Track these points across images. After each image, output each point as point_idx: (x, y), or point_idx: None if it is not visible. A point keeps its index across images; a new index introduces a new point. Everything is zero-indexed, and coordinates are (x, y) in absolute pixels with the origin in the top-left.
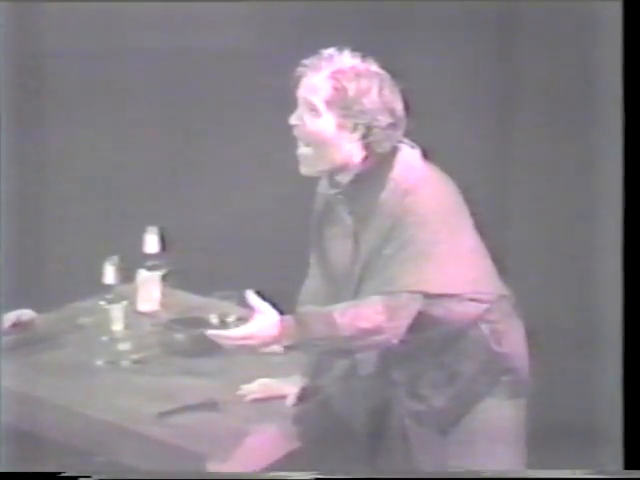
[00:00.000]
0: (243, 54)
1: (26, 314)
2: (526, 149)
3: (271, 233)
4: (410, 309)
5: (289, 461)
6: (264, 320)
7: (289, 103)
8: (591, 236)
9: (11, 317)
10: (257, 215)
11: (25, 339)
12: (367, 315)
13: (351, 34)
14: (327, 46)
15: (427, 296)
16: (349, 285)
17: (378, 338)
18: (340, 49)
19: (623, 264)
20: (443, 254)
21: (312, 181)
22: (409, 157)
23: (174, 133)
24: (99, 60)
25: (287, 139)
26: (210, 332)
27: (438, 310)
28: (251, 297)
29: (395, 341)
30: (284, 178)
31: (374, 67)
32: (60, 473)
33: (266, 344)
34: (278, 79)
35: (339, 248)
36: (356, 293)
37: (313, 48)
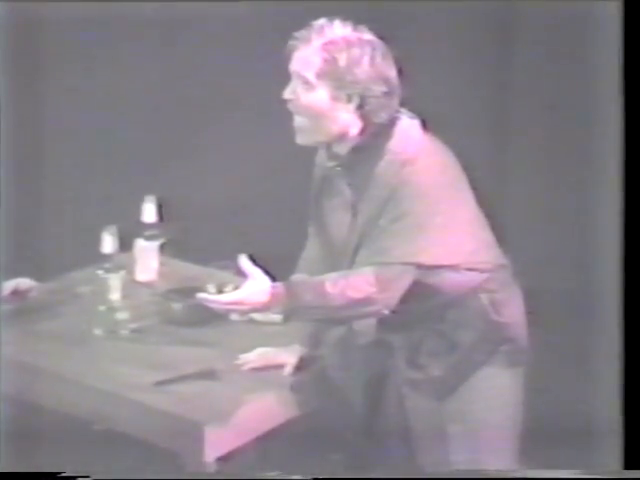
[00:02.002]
0: (243, 22)
1: (24, 283)
2: (525, 130)
3: (269, 202)
4: (402, 281)
5: (285, 430)
6: (255, 286)
7: (288, 72)
8: (590, 205)
9: (9, 286)
10: (255, 185)
11: (23, 308)
12: (358, 285)
13: (350, 5)
14: (325, 16)
15: (421, 267)
16: (346, 255)
17: (369, 309)
18: (331, 19)
19: (623, 235)
20: (439, 226)
21: (311, 150)
22: (408, 128)
23: (172, 102)
24: (98, 26)
25: (286, 108)
26: (200, 295)
27: (435, 280)
28: (243, 262)
29: (386, 312)
30: (283, 147)
31: (366, 35)
32: (60, 473)
33: (256, 310)
34: (278, 48)
35: (338, 220)
36: (351, 262)
37: (312, 17)
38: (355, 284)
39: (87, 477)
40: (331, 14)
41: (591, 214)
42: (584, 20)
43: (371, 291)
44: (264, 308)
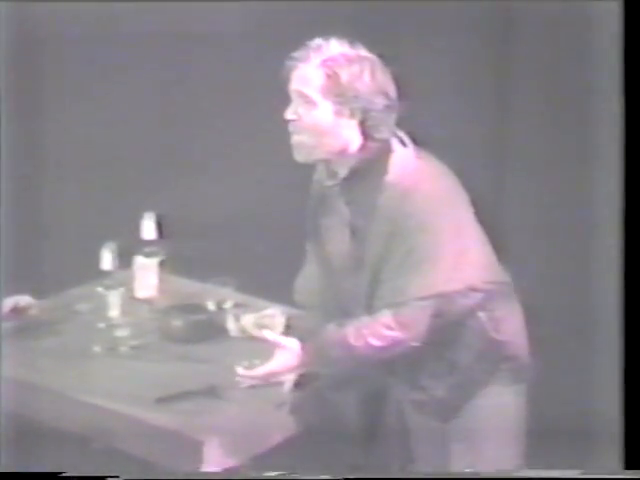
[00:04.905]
0: (243, 39)
1: (24, 300)
2: (523, 138)
3: (268, 219)
4: (423, 315)
5: (286, 449)
6: (285, 354)
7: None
8: (589, 221)
9: (9, 303)
10: (254, 201)
11: (23, 325)
12: (379, 333)
13: (348, 23)
14: (323, 33)
15: (439, 296)
16: (356, 290)
17: (397, 349)
18: (327, 38)
19: (622, 253)
20: (449, 252)
21: (311, 168)
22: (403, 158)
23: (172, 119)
24: (97, 44)
25: (286, 125)
26: (240, 372)
27: (442, 305)
28: (269, 335)
29: (417, 344)
30: (282, 165)
31: (363, 52)
32: (60, 473)
33: (288, 374)
34: (278, 65)
35: (336, 238)
36: (368, 307)
37: (311, 34)
38: (376, 332)
39: (117, 477)
40: (327, 32)
41: (591, 224)
42: (584, 20)
43: (393, 335)
44: (296, 370)
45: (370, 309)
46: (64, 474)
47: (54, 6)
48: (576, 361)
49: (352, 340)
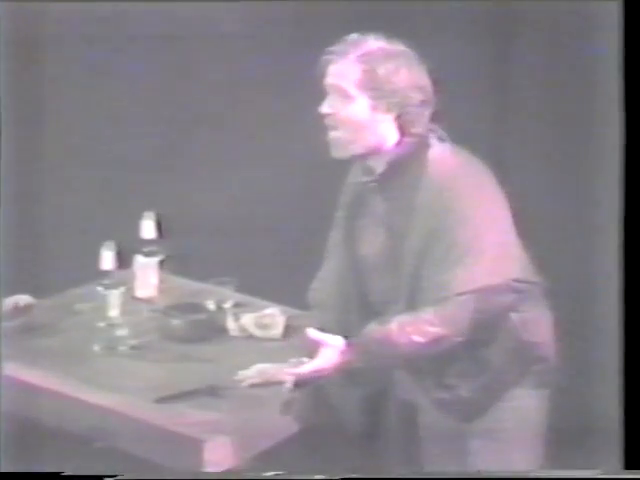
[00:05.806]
0: (243, 39)
1: (24, 299)
2: (524, 138)
3: (268, 219)
4: (465, 310)
5: (286, 449)
6: (330, 351)
7: (288, 88)
8: (590, 221)
9: (9, 302)
10: (255, 201)
11: (23, 325)
12: (423, 329)
13: (347, 24)
14: (323, 34)
15: (481, 290)
16: (393, 288)
17: (440, 345)
18: (363, 34)
19: (623, 254)
20: (490, 246)
21: (311, 168)
22: (440, 154)
23: (172, 118)
24: (99, 46)
25: (286, 124)
26: (285, 371)
27: (482, 302)
28: (312, 333)
29: (460, 339)
30: (283, 164)
31: (400, 46)
32: (60, 473)
33: (334, 370)
34: (278, 65)
35: (370, 238)
36: (409, 304)
37: (309, 35)
38: (420, 328)
39: (117, 477)
40: (326, 32)
41: (590, 218)
42: (584, 20)
43: (436, 331)
44: (340, 367)
45: (411, 306)
46: (64, 474)
47: (55, 6)
48: (576, 361)
49: (395, 337)
